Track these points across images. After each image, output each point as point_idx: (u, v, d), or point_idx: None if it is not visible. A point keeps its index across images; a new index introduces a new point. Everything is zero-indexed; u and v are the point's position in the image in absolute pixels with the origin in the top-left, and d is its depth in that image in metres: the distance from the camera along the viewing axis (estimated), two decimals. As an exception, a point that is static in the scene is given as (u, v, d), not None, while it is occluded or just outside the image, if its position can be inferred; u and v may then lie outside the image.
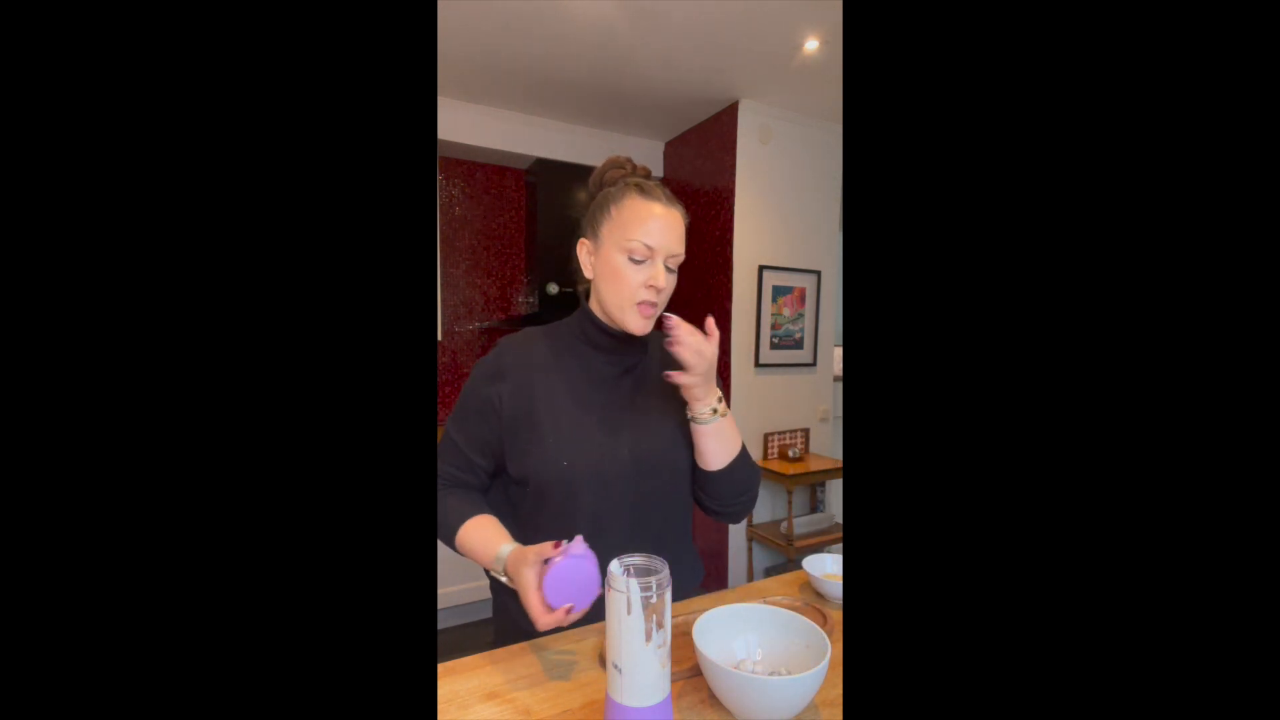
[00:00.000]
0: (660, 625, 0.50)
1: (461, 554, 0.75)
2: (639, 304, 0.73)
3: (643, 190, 0.74)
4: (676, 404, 0.82)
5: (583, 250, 0.78)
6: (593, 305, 0.80)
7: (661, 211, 0.73)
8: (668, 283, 0.74)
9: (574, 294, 2.69)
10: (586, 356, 0.80)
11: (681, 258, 0.76)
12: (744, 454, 0.80)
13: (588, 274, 0.78)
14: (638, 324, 0.74)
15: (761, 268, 2.49)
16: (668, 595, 0.51)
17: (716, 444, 0.76)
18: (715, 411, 0.75)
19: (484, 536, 0.72)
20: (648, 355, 0.84)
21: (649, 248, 0.72)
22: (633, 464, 0.76)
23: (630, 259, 0.72)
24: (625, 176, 0.77)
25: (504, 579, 0.68)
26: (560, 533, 0.77)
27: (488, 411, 0.78)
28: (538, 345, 0.81)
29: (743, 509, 0.83)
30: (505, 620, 0.82)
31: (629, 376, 0.82)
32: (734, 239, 2.43)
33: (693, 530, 0.87)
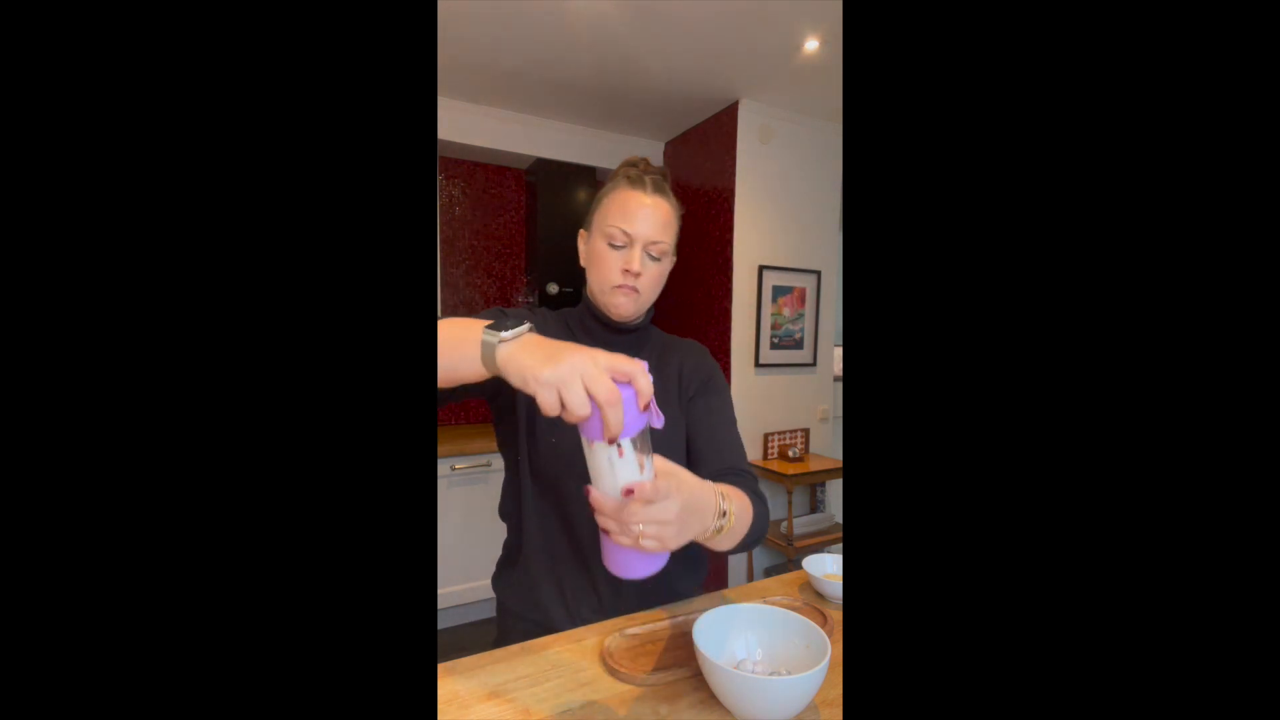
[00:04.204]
0: (650, 455, 0.48)
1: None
2: (617, 287, 0.75)
3: (631, 181, 0.76)
4: (673, 409, 0.82)
5: (581, 240, 0.82)
6: (588, 293, 0.83)
7: (646, 200, 0.75)
8: (645, 268, 0.75)
9: (574, 293, 2.70)
10: (584, 344, 0.80)
11: (666, 246, 0.76)
12: (755, 523, 0.69)
13: (582, 262, 0.81)
14: (617, 308, 0.77)
15: (761, 268, 2.49)
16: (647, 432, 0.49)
17: (728, 541, 0.64)
18: (719, 530, 0.59)
19: (462, 323, 0.55)
20: (645, 351, 0.85)
21: (627, 234, 0.74)
22: None
23: (610, 245, 0.75)
24: (628, 171, 0.79)
25: (499, 367, 0.51)
26: (550, 511, 0.77)
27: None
28: (552, 326, 0.82)
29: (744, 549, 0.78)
30: (508, 622, 0.81)
31: None
32: (734, 239, 2.43)
33: None
